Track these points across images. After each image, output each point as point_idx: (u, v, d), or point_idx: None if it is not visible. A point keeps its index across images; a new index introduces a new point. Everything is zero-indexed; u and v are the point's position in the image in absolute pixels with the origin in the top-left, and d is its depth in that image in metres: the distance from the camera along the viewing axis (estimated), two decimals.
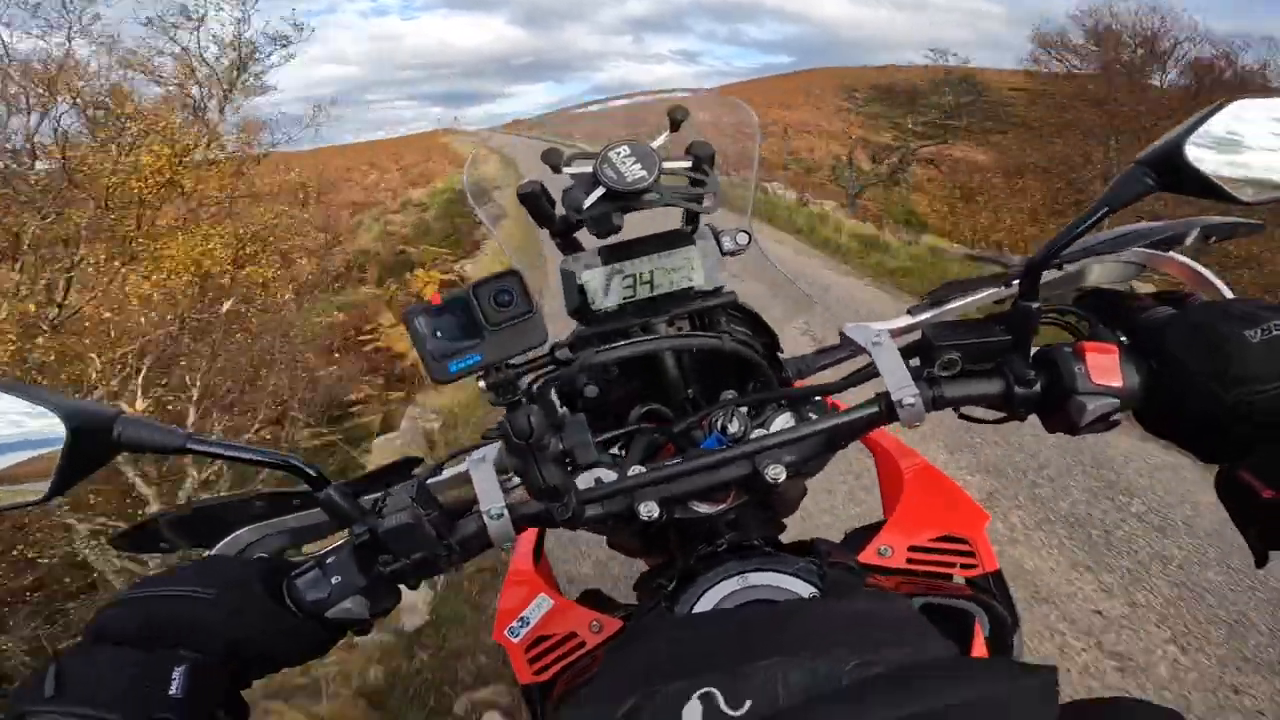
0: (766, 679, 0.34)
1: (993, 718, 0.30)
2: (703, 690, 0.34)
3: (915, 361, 0.59)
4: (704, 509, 0.63)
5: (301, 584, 0.54)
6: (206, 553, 0.67)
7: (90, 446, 0.48)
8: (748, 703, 0.33)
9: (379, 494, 0.59)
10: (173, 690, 0.45)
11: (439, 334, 0.47)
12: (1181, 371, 0.51)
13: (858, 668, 0.33)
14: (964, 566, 0.67)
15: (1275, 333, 0.47)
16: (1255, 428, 0.48)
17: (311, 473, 0.53)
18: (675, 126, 0.64)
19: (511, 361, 0.49)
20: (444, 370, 0.47)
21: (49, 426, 0.47)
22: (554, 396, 0.68)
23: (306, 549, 0.65)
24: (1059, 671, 0.32)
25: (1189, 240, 0.67)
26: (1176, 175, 0.50)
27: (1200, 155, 0.49)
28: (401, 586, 0.58)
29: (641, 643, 0.49)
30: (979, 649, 0.57)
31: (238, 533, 0.68)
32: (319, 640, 0.56)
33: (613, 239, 0.65)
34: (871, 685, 0.32)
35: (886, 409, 0.57)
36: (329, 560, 0.55)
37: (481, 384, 0.48)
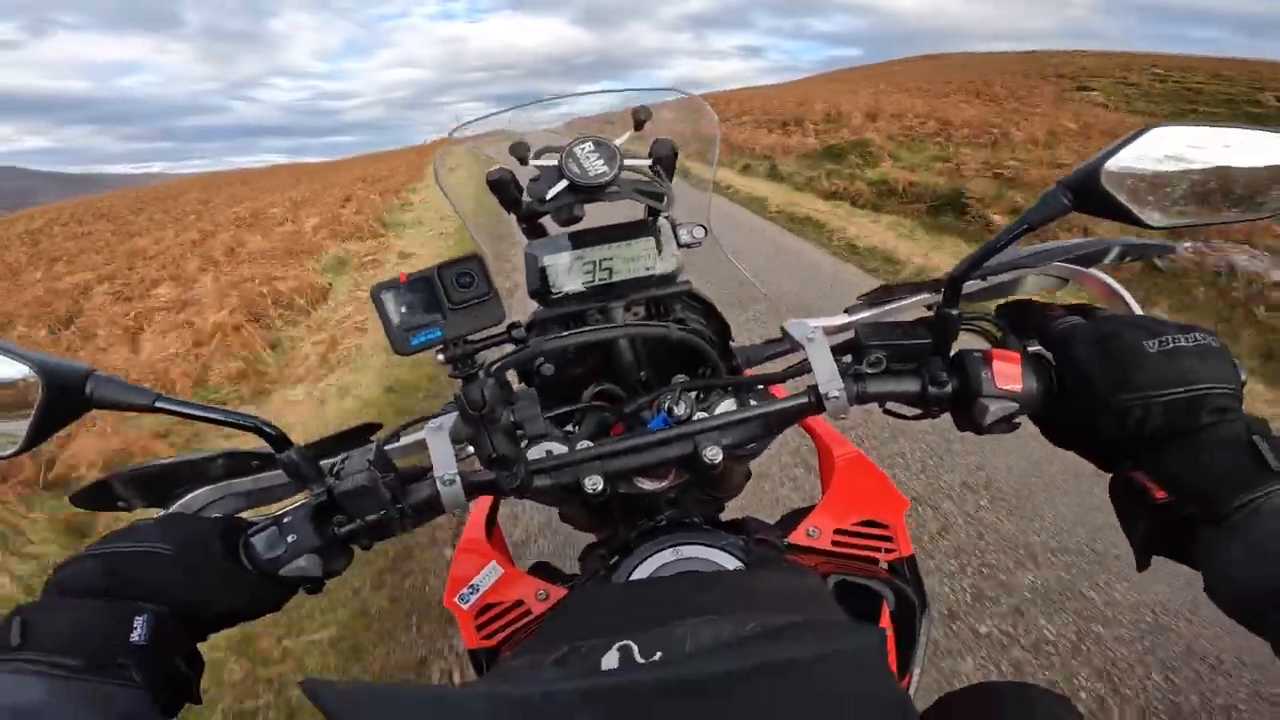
0: (678, 636, 0.37)
1: (838, 669, 0.34)
2: (621, 644, 0.37)
3: (847, 358, 0.63)
4: (647, 485, 0.67)
5: (258, 542, 0.56)
6: (162, 511, 0.68)
7: (64, 402, 0.49)
8: (658, 654, 0.36)
9: (337, 458, 0.61)
10: (134, 638, 0.46)
11: (404, 309, 0.50)
12: (1083, 378, 0.53)
13: (754, 629, 0.37)
14: (878, 550, 0.72)
15: (1172, 345, 0.50)
16: (1150, 433, 0.50)
17: (274, 434, 0.55)
18: (638, 125, 0.67)
19: (470, 338, 0.52)
20: (405, 342, 0.50)
21: (24, 380, 0.48)
22: (511, 375, 0.71)
23: (262, 511, 0.67)
24: None
25: (1108, 258, 0.72)
26: (1091, 198, 0.53)
27: (1117, 179, 0.52)
28: (354, 548, 0.60)
29: (578, 606, 0.53)
30: (885, 623, 0.62)
31: (196, 492, 0.69)
32: (273, 596, 0.58)
33: (576, 227, 0.69)
34: (754, 640, 0.36)
35: (815, 400, 0.60)
36: (285, 520, 0.57)
37: (440, 357, 0.51)
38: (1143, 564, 0.52)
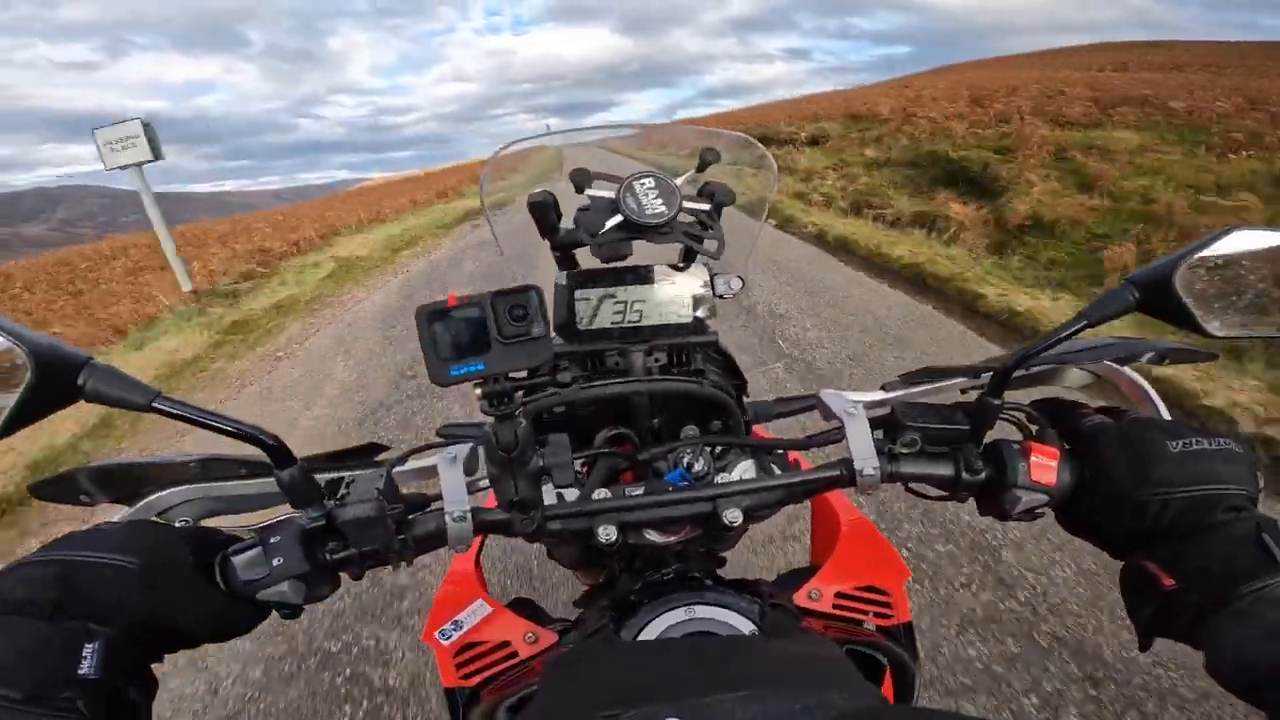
0: (725, 712, 0.35)
1: None
2: (669, 718, 0.35)
3: (879, 434, 0.62)
4: (657, 538, 0.64)
5: (239, 562, 0.52)
6: (125, 510, 0.63)
7: (52, 390, 0.45)
8: None
9: (340, 476, 0.57)
10: (83, 669, 0.42)
11: (448, 336, 0.46)
12: (1105, 473, 0.55)
13: (804, 711, 0.35)
14: (878, 615, 0.71)
15: (1193, 447, 0.53)
16: (1165, 527, 0.52)
17: (275, 446, 0.51)
18: (703, 167, 0.65)
19: (511, 376, 0.48)
20: (444, 373, 0.46)
21: (12, 361, 0.44)
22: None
23: (237, 520, 0.62)
24: None
25: (1145, 359, 0.72)
26: (1159, 299, 0.52)
27: (1189, 282, 0.52)
28: (342, 575, 0.56)
29: (592, 666, 0.50)
30: (886, 691, 0.62)
31: (162, 493, 0.64)
32: (244, 620, 0.53)
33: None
34: None
35: (847, 474, 0.59)
36: (272, 540, 0.52)
37: (478, 391, 0.48)
38: (1145, 645, 0.54)
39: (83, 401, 0.47)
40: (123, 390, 0.46)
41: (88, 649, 0.42)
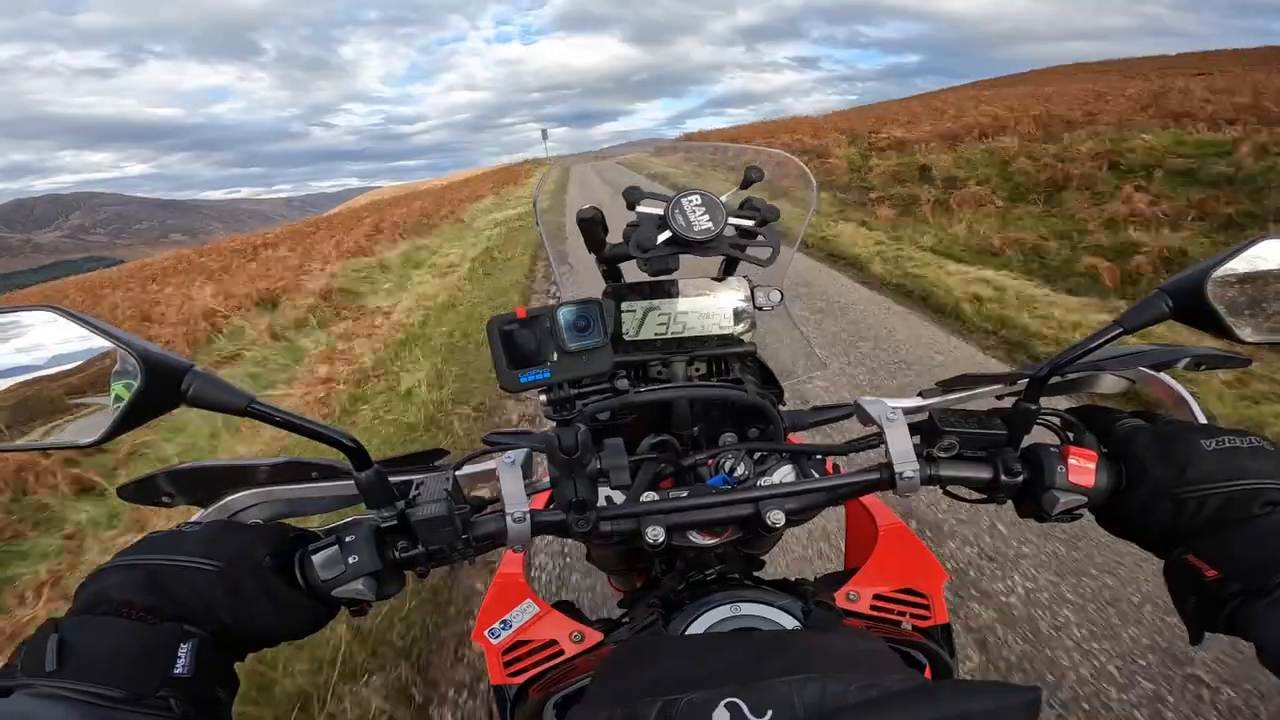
0: (783, 693, 0.37)
1: None
2: (728, 699, 0.37)
3: (916, 439, 0.64)
4: (700, 540, 0.66)
5: (318, 560, 0.55)
6: (202, 511, 0.66)
7: (158, 394, 0.48)
8: (769, 712, 0.36)
9: (405, 479, 0.60)
10: (178, 669, 0.44)
11: (516, 345, 0.49)
12: (1143, 473, 0.56)
13: (861, 689, 0.37)
14: (915, 616, 0.72)
15: (1227, 444, 0.54)
16: (1203, 522, 0.53)
17: (356, 449, 0.54)
18: (747, 184, 0.68)
19: (573, 383, 0.51)
20: (514, 380, 0.49)
21: (126, 366, 0.47)
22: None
23: (304, 521, 0.65)
24: None
25: (1180, 365, 0.73)
26: (1192, 307, 0.54)
27: (1221, 289, 0.53)
28: (409, 573, 0.59)
29: (645, 657, 0.52)
30: None
31: (236, 495, 0.67)
32: (319, 617, 0.56)
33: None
34: (884, 700, 0.35)
35: (888, 478, 0.61)
36: (348, 539, 0.55)
37: (543, 398, 0.51)
38: (1196, 638, 0.54)
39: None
40: (222, 395, 0.49)
41: (182, 649, 0.45)
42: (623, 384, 0.62)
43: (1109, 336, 0.55)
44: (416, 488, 0.58)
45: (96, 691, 0.41)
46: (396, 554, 0.56)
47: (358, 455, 0.54)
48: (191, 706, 0.44)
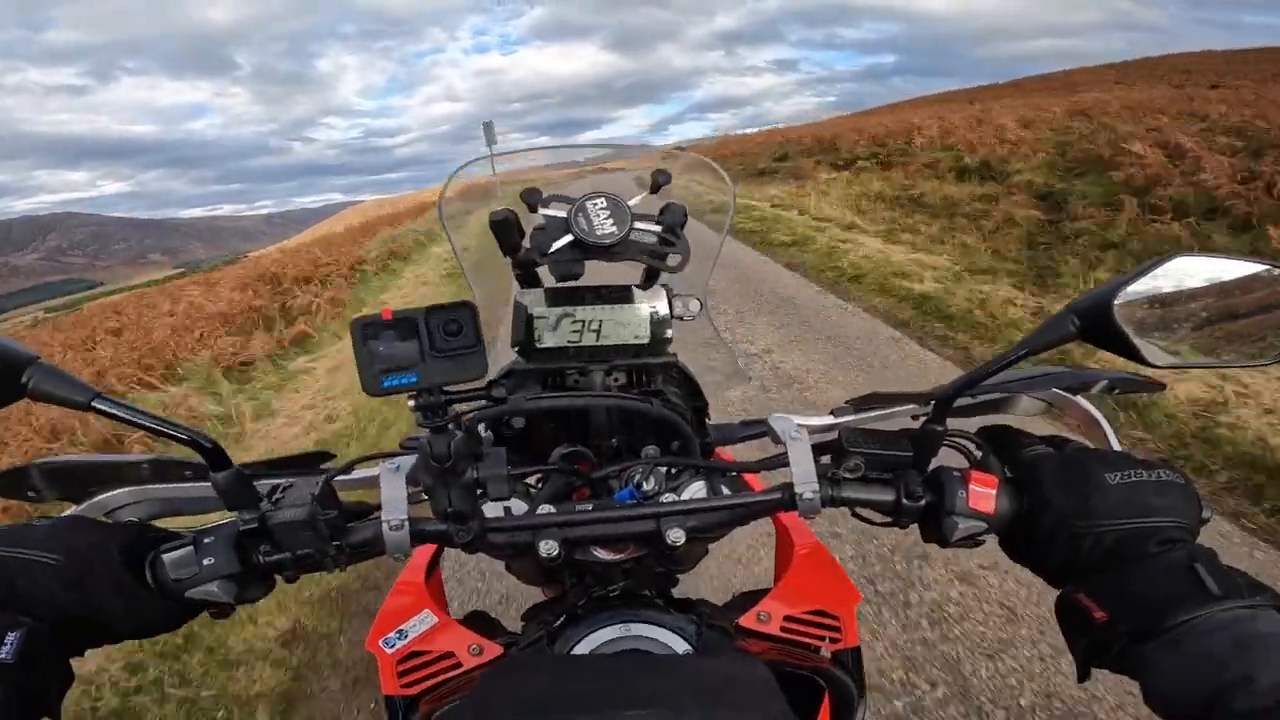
0: None
1: None
2: None
3: (826, 459, 0.62)
4: (603, 555, 0.64)
5: (169, 560, 0.53)
6: (75, 507, 0.64)
7: None
8: None
9: (280, 481, 0.57)
10: (2, 655, 0.43)
11: (382, 347, 0.47)
12: (1044, 503, 0.54)
13: None
14: (832, 640, 0.70)
15: (1132, 478, 0.52)
16: (1099, 557, 0.52)
17: (211, 449, 0.51)
18: (655, 189, 0.66)
19: (445, 388, 0.49)
20: (377, 382, 0.47)
21: None
22: (481, 429, 0.68)
23: (184, 521, 0.62)
24: None
25: (1096, 388, 0.72)
26: (1099, 327, 0.51)
27: (1129, 310, 0.50)
28: (278, 577, 0.56)
29: (520, 675, 0.51)
30: (823, 717, 0.60)
31: (111, 493, 0.65)
32: (171, 618, 0.55)
33: (571, 283, 0.67)
34: None
35: (788, 498, 0.59)
36: (205, 540, 0.53)
37: (411, 403, 0.49)
38: (1083, 675, 0.53)
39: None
40: (65, 390, 0.47)
41: (10, 637, 0.44)
42: (499, 391, 0.59)
43: (1014, 358, 0.54)
44: (282, 491, 0.55)
45: None
46: (259, 558, 0.54)
47: (214, 455, 0.51)
48: (13, 690, 0.43)
